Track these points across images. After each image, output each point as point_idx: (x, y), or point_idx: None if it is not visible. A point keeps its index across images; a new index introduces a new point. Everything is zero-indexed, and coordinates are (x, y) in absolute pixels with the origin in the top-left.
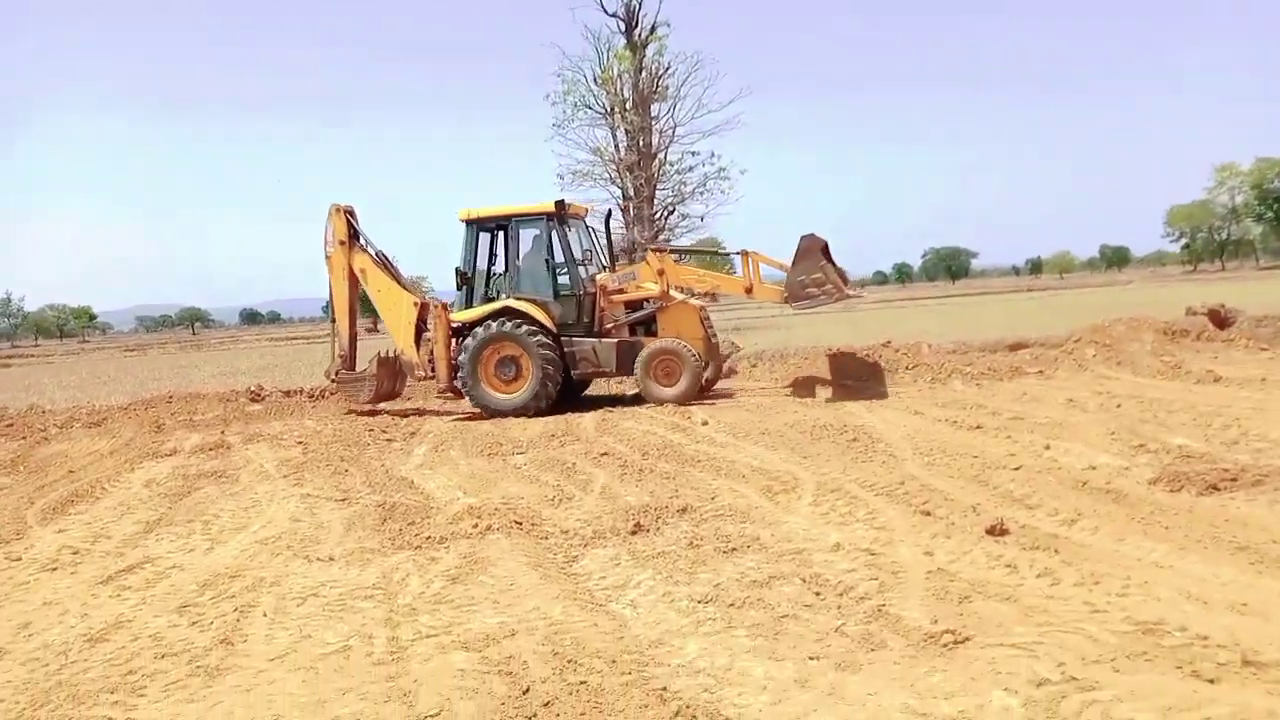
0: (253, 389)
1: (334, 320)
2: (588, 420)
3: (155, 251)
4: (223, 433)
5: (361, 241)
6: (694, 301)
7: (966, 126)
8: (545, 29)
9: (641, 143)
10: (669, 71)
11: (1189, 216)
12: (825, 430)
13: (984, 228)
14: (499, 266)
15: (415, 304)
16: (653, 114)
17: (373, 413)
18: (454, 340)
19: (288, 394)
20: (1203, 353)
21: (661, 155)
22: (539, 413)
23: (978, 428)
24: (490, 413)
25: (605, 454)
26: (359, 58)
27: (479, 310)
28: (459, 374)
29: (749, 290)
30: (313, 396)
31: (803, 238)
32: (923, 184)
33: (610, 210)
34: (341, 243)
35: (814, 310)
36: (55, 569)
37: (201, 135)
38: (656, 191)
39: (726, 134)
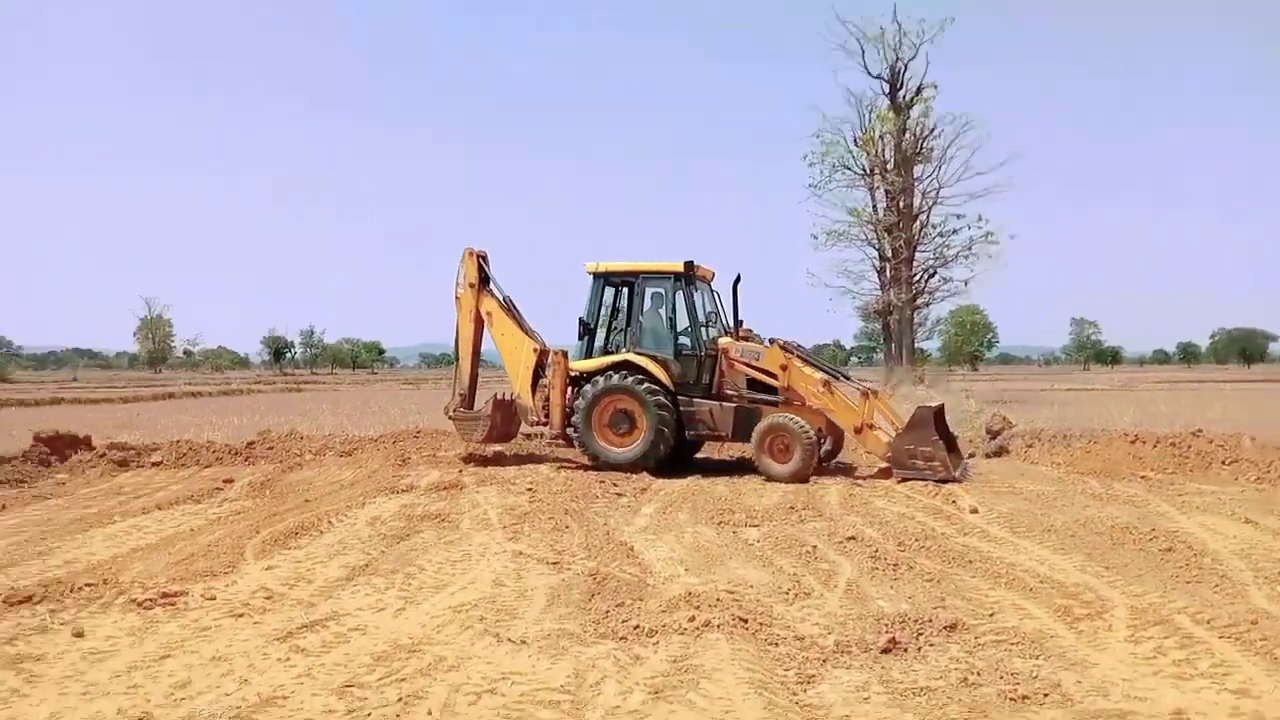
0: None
1: (457, 360)
2: (832, 494)
3: (441, 290)
4: (460, 472)
5: (491, 286)
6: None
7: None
8: (802, 90)
9: (902, 204)
10: (934, 133)
11: None
12: (1129, 534)
13: None
14: (621, 321)
15: (535, 350)
16: (915, 175)
17: (530, 457)
18: (570, 388)
19: (528, 437)
20: None
21: (923, 217)
22: (646, 470)
23: None
24: (599, 464)
25: (853, 538)
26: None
27: (598, 361)
28: (572, 422)
29: (859, 431)
30: (553, 442)
31: (919, 408)
32: (1213, 253)
33: (739, 275)
34: (472, 285)
35: (916, 478)
36: (242, 615)
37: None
38: (916, 254)
39: (996, 198)
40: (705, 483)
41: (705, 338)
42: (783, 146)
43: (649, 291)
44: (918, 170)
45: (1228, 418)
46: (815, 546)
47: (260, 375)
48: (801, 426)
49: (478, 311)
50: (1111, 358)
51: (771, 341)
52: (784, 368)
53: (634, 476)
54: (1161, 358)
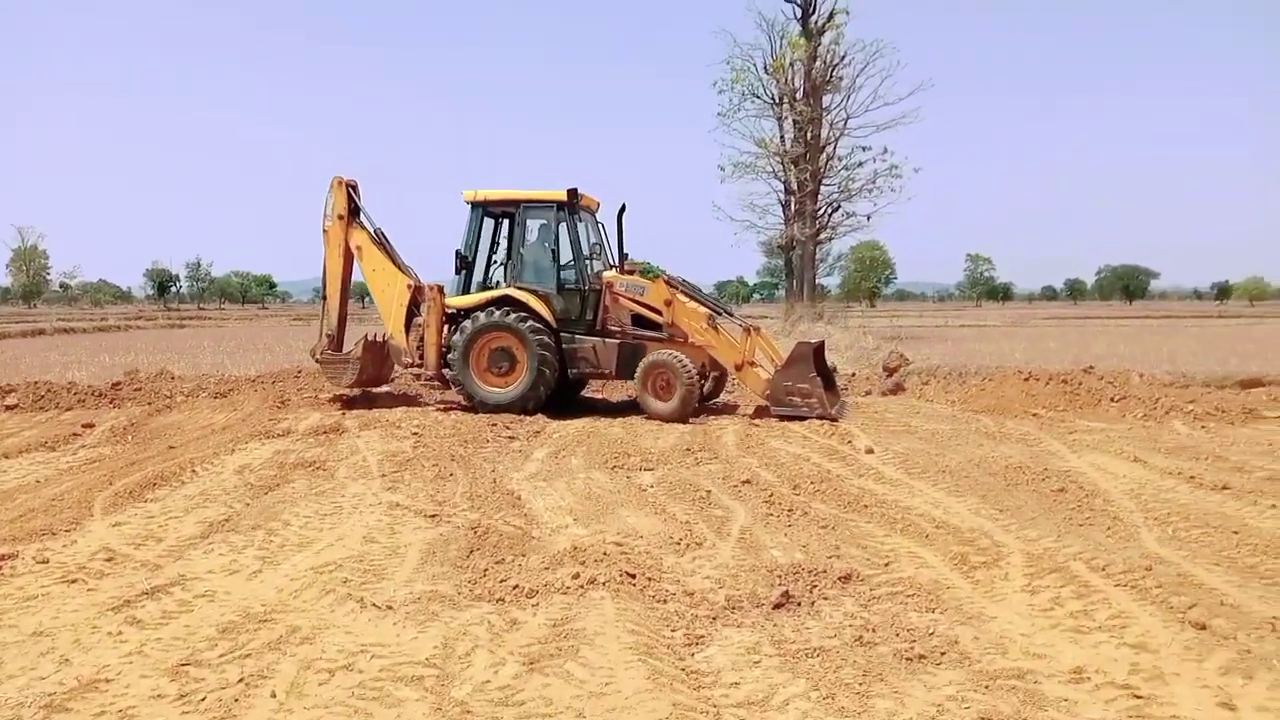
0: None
1: (324, 298)
2: (729, 435)
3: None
4: (343, 414)
5: (361, 218)
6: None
7: (1158, 128)
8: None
9: (809, 135)
10: (845, 61)
11: None
12: (1022, 474)
13: (1166, 245)
14: (500, 254)
15: (409, 286)
16: (824, 105)
17: (404, 397)
18: (446, 326)
19: (418, 376)
20: None
21: (830, 149)
22: (525, 411)
23: (1224, 488)
24: (477, 406)
25: (748, 481)
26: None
27: (476, 297)
28: (448, 361)
29: (739, 368)
30: (428, 383)
31: (797, 345)
32: (1102, 194)
33: (624, 205)
34: (340, 217)
35: (793, 415)
36: (75, 580)
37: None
38: (822, 187)
39: (903, 129)
40: (601, 424)
41: (589, 271)
42: (695, 74)
43: (530, 222)
44: (827, 100)
45: (1113, 353)
46: (710, 491)
47: (142, 310)
48: (683, 364)
49: (347, 245)
50: (1003, 294)
51: (655, 276)
52: (668, 303)
53: (527, 419)
54: (1050, 294)
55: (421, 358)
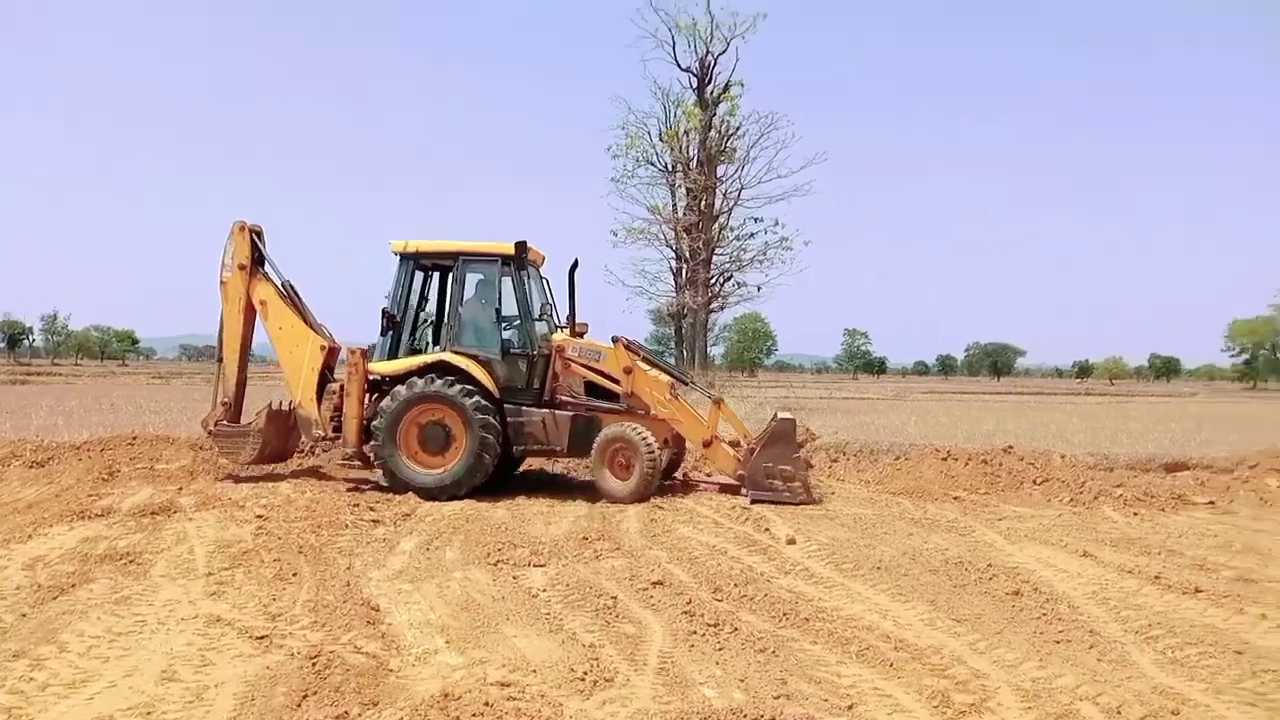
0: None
1: (220, 360)
2: (631, 519)
3: (204, 276)
4: (179, 490)
5: (266, 268)
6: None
7: (1017, 221)
8: (612, 79)
9: (703, 204)
10: (739, 132)
11: (1251, 332)
12: (966, 572)
13: (1029, 326)
14: (434, 313)
15: (323, 347)
16: (718, 175)
17: (360, 479)
18: (369, 395)
19: (332, 450)
20: None
21: (723, 218)
22: (456, 497)
23: (1197, 591)
24: (406, 489)
25: (659, 583)
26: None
27: (406, 362)
28: (372, 437)
29: (707, 444)
30: (302, 451)
31: (781, 419)
32: (968, 278)
33: (576, 260)
34: (242, 267)
35: (771, 501)
36: None
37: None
38: (714, 256)
39: (795, 200)
40: (483, 506)
41: (537, 334)
42: (590, 140)
43: (470, 277)
44: (720, 170)
45: (1003, 430)
46: (616, 598)
47: None
48: (645, 439)
49: (249, 299)
50: (878, 368)
51: (615, 340)
52: (628, 371)
53: (396, 499)
54: (921, 369)
55: (336, 430)
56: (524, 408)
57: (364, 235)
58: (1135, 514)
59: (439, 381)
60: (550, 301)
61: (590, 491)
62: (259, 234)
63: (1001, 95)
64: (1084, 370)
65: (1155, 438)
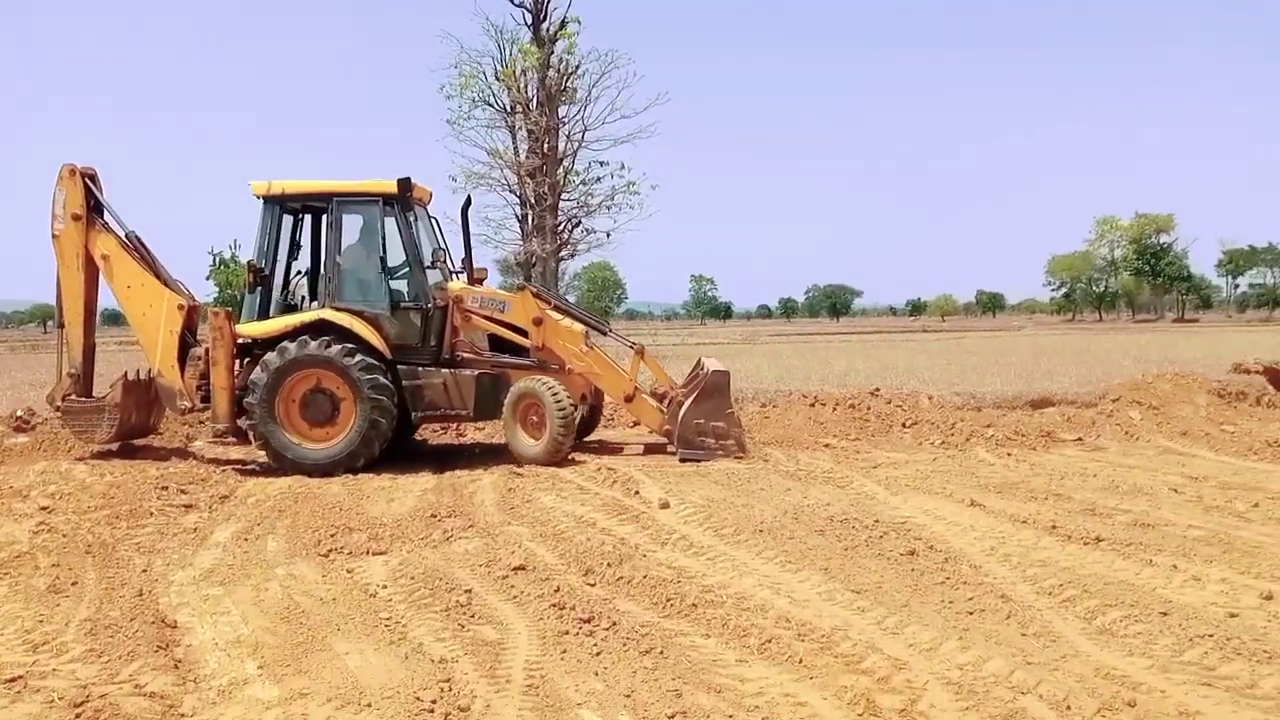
0: (19, 415)
1: (62, 325)
2: (486, 488)
3: (11, 241)
4: None
5: (105, 218)
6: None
7: (852, 166)
8: (444, 17)
9: (546, 146)
10: (579, 71)
11: (1069, 267)
12: (854, 530)
13: (867, 265)
14: (308, 264)
15: (181, 307)
16: (560, 116)
17: (177, 452)
18: (239, 361)
19: (196, 421)
20: (1267, 421)
21: (568, 162)
22: (352, 470)
23: (1098, 540)
24: (291, 467)
25: (522, 567)
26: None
27: (280, 322)
28: (247, 410)
29: (629, 399)
30: (218, 438)
31: (715, 372)
32: (806, 220)
33: (469, 198)
34: (76, 217)
35: (701, 459)
36: None
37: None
38: (561, 201)
39: (642, 142)
40: (315, 481)
41: (431, 284)
42: (422, 80)
43: (348, 221)
44: (563, 111)
45: (854, 369)
46: (470, 591)
47: None
48: (555, 395)
49: (88, 254)
50: (725, 313)
51: (521, 287)
52: (538, 322)
53: (213, 477)
54: (765, 312)
55: (204, 401)
56: (420, 368)
57: (193, 174)
58: (1008, 454)
59: (317, 343)
60: (443, 246)
61: (440, 460)
62: (93, 178)
63: (838, 36)
64: (917, 308)
65: (999, 371)
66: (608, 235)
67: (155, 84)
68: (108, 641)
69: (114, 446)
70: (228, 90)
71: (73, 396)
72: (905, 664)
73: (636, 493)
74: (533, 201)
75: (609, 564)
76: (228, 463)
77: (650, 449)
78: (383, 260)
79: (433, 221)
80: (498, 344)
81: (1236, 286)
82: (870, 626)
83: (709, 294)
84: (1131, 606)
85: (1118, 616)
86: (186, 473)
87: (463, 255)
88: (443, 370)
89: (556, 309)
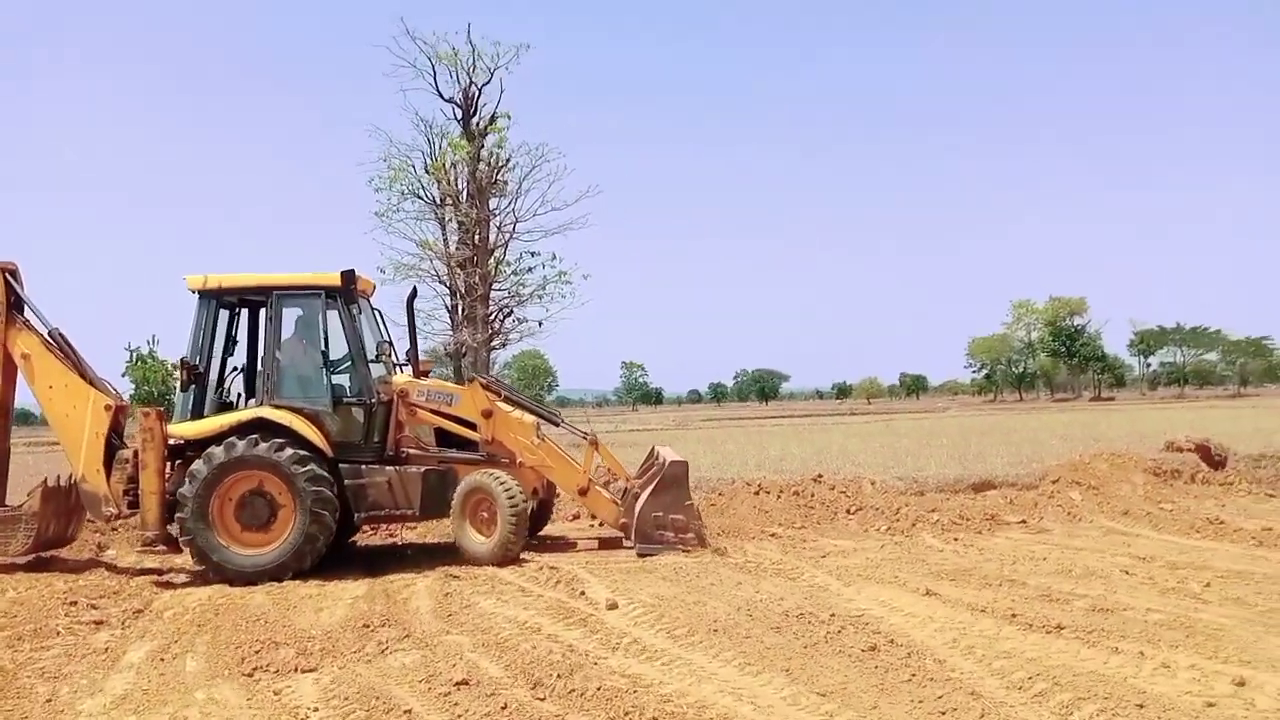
0: None
1: None
2: (421, 595)
3: None
4: None
5: (27, 314)
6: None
7: (778, 253)
8: (371, 109)
9: (477, 237)
10: (509, 165)
11: (989, 349)
12: (811, 626)
13: (793, 350)
14: (243, 359)
15: (108, 407)
16: (491, 208)
17: (89, 563)
18: (170, 463)
19: (106, 533)
20: (1203, 499)
21: (500, 252)
22: (299, 574)
23: (1059, 628)
24: (235, 576)
25: (464, 682)
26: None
27: (215, 421)
28: (179, 506)
29: (583, 492)
30: (145, 549)
31: (673, 462)
32: (733, 306)
33: (415, 289)
34: None
35: (659, 553)
36: None
37: None
38: (493, 291)
39: (573, 234)
40: (238, 591)
41: (374, 378)
42: (350, 173)
43: (288, 314)
44: (493, 203)
45: (789, 454)
46: (410, 711)
47: None
48: (506, 488)
49: (7, 354)
50: (656, 398)
51: (470, 380)
52: (488, 414)
53: (126, 590)
54: (695, 397)
55: (131, 506)
56: (364, 466)
57: (125, 281)
58: (955, 539)
59: (244, 443)
60: (386, 339)
61: (371, 563)
62: (13, 274)
63: (763, 129)
64: (843, 391)
65: (932, 454)
66: (540, 324)
67: (62, 170)
68: None
69: (21, 560)
70: (141, 180)
71: None
72: None
73: (582, 593)
74: (463, 292)
75: (558, 675)
76: (142, 573)
77: (605, 543)
78: (324, 354)
79: (376, 314)
80: (444, 438)
81: (1149, 365)
82: None
83: (640, 380)
84: (1105, 699)
85: (1093, 711)
86: (97, 585)
87: (408, 348)
88: (387, 468)
89: (507, 400)
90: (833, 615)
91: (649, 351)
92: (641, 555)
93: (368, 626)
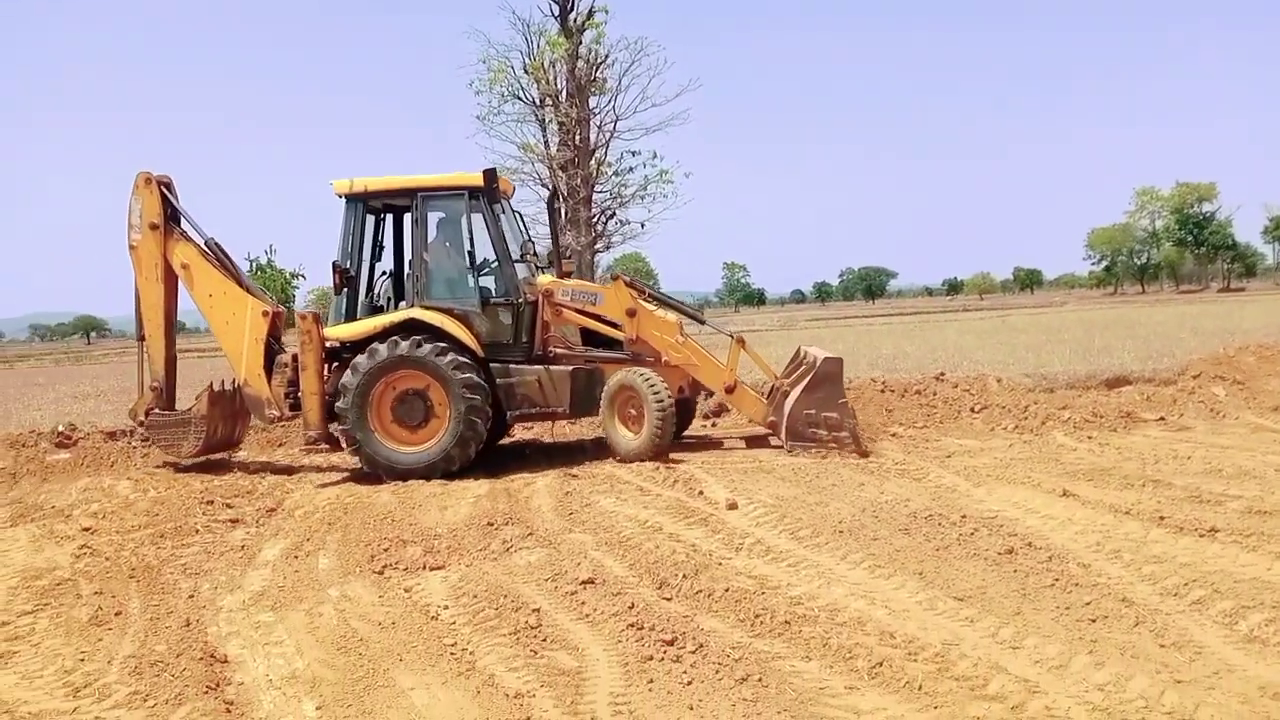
0: (62, 430)
1: (143, 338)
2: (541, 493)
3: (52, 258)
4: None
5: (183, 226)
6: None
7: (884, 148)
8: (471, 13)
9: (578, 138)
10: (608, 61)
11: (1109, 239)
12: (941, 528)
13: (901, 246)
14: (390, 263)
15: (265, 314)
16: (591, 107)
17: (218, 463)
18: (328, 366)
19: (112, 435)
20: None
21: (600, 153)
22: (448, 475)
23: (1213, 531)
24: (386, 472)
25: (591, 581)
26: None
27: (369, 323)
28: (339, 416)
29: (730, 390)
30: (148, 439)
31: (826, 358)
32: (838, 203)
33: (555, 191)
34: (154, 226)
35: (812, 450)
36: None
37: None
38: (594, 193)
39: (674, 130)
40: (363, 490)
41: (520, 279)
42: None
43: (433, 218)
44: (593, 101)
45: (901, 352)
46: (539, 610)
47: None
48: (652, 386)
49: (167, 264)
50: (759, 299)
51: (614, 278)
52: (632, 314)
53: (259, 489)
54: (799, 297)
55: (292, 409)
56: (513, 365)
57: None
58: (1089, 437)
59: (408, 343)
60: (529, 239)
61: (488, 462)
62: (169, 186)
63: (868, 20)
64: (954, 288)
65: (1053, 349)
66: (642, 226)
67: (165, 89)
68: (154, 682)
69: (198, 459)
70: (245, 94)
71: (156, 410)
72: (1037, 687)
73: (700, 493)
74: (565, 194)
75: (684, 575)
76: (275, 472)
77: (752, 442)
78: (470, 255)
79: (517, 215)
80: (589, 338)
81: None
82: (985, 640)
83: (742, 281)
84: (1274, 608)
85: (1261, 620)
86: (232, 485)
87: (549, 249)
88: (536, 367)
89: (651, 299)
90: (964, 517)
91: (751, 252)
92: (792, 451)
93: (492, 525)
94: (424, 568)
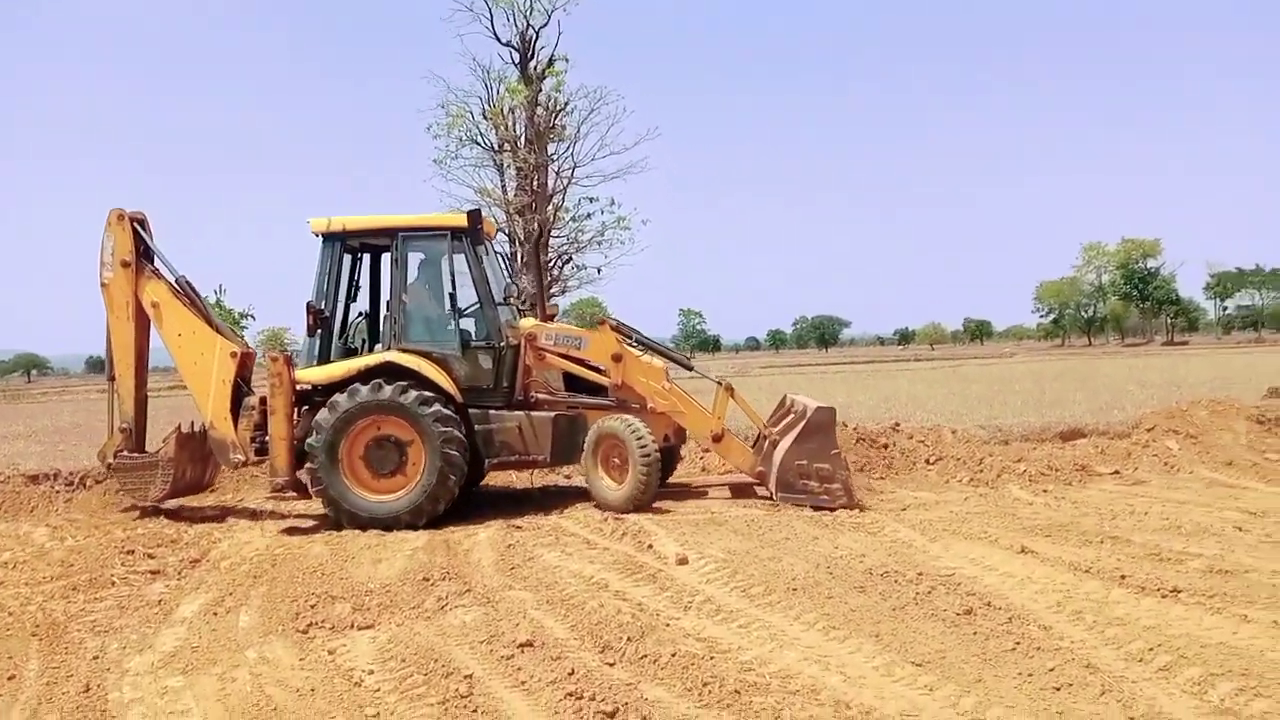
0: None
1: (113, 378)
2: (483, 546)
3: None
4: None
5: (156, 263)
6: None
7: (838, 199)
8: (430, 58)
9: (535, 183)
10: (567, 109)
11: (1057, 292)
12: (897, 586)
13: (854, 296)
14: (365, 304)
15: (234, 354)
16: (550, 153)
17: (158, 510)
18: (297, 409)
19: (34, 479)
20: None
21: (558, 199)
22: (414, 527)
23: (1175, 592)
24: (347, 519)
25: (528, 644)
26: None
27: (341, 366)
28: (309, 457)
29: (718, 439)
30: (72, 483)
31: (819, 408)
32: (792, 252)
33: (540, 230)
34: (125, 264)
35: (804, 504)
36: None
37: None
38: (551, 239)
39: (632, 178)
40: (294, 540)
41: (502, 322)
42: (408, 121)
43: (414, 258)
44: (551, 148)
45: (855, 402)
46: (471, 677)
47: None
48: (637, 434)
49: (138, 302)
50: (714, 345)
51: (600, 322)
52: (617, 358)
53: (185, 538)
54: (753, 344)
55: (259, 453)
56: (492, 411)
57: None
58: (1044, 491)
59: (392, 388)
60: (512, 281)
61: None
62: (142, 223)
63: (823, 75)
64: (905, 337)
65: (1005, 400)
66: (598, 271)
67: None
68: None
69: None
70: (207, 133)
71: (124, 453)
72: None
73: (649, 546)
74: (522, 239)
75: (628, 637)
76: (206, 519)
77: (737, 490)
78: (451, 298)
79: (500, 257)
80: (572, 383)
81: (1225, 309)
82: (945, 711)
83: (697, 327)
84: (1243, 676)
85: (1231, 690)
86: (156, 534)
87: (532, 291)
88: (516, 413)
89: (638, 344)
90: (920, 574)
91: (706, 299)
92: (782, 502)
93: (427, 580)
94: (352, 626)
